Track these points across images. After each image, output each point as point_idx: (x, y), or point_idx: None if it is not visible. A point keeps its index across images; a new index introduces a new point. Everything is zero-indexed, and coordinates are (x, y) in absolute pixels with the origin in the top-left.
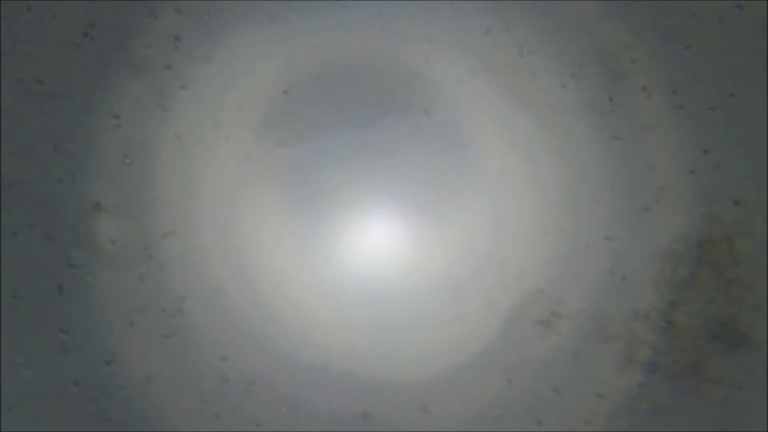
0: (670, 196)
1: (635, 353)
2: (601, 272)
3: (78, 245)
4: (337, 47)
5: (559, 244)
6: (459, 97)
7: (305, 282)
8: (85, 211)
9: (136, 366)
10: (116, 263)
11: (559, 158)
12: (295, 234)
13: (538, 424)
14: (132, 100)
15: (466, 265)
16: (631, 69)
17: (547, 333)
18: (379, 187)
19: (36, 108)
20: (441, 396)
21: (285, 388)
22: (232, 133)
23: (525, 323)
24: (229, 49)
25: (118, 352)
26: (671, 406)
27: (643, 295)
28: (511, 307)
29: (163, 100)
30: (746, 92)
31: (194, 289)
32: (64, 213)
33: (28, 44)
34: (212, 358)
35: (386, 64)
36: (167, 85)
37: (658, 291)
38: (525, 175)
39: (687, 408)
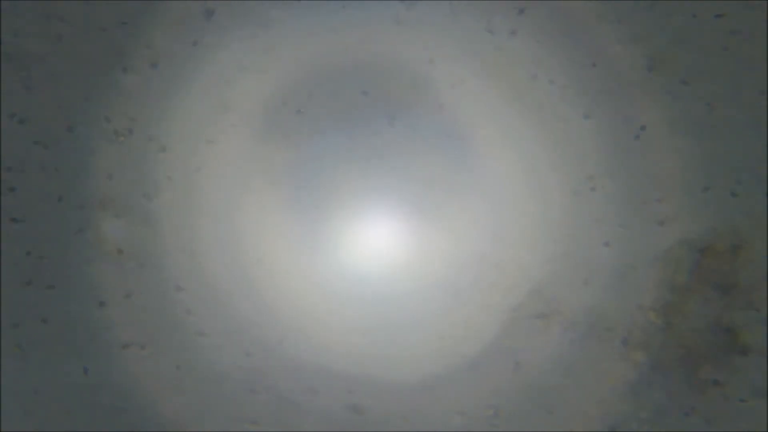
0: (671, 199)
1: (633, 355)
2: (601, 274)
3: (78, 244)
4: (337, 48)
5: (559, 245)
6: (459, 99)
7: (305, 282)
8: (88, 210)
9: (135, 366)
10: (116, 262)
11: (559, 159)
12: (295, 235)
13: (535, 425)
14: (132, 99)
15: (466, 266)
16: (632, 69)
17: (545, 334)
18: (378, 188)
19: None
20: (439, 396)
21: (285, 389)
22: (233, 135)
23: (524, 323)
24: (229, 50)
25: (116, 352)
26: (669, 408)
27: (642, 297)
28: (511, 307)
29: (164, 101)
30: (751, 95)
31: (193, 288)
32: (64, 209)
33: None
34: (210, 358)
35: (386, 65)
36: (167, 85)
37: (658, 294)
38: (525, 176)
39: (685, 410)
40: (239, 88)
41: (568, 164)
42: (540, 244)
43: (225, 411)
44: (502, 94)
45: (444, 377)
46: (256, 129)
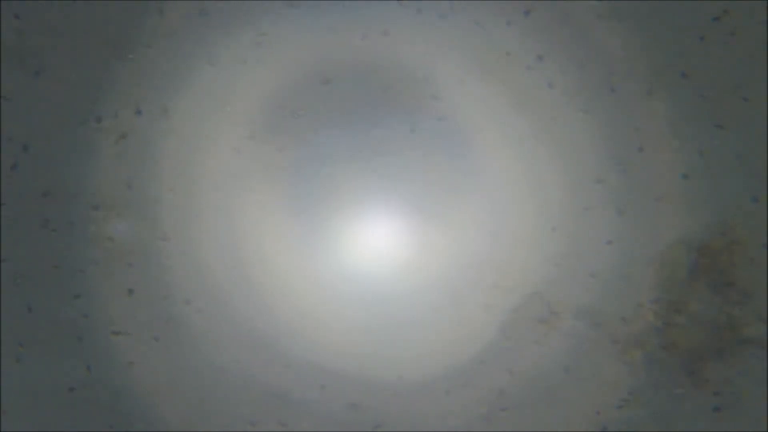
0: (670, 199)
1: (634, 355)
2: (600, 274)
3: (79, 243)
4: (337, 48)
5: (559, 245)
6: (459, 98)
7: (305, 282)
8: (86, 209)
9: (134, 365)
10: (116, 263)
11: (559, 160)
12: (294, 234)
13: (534, 425)
14: (131, 100)
15: (466, 266)
16: (632, 70)
17: (544, 335)
18: (378, 189)
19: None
20: (438, 395)
21: (284, 388)
22: (233, 134)
23: (523, 325)
24: (228, 51)
25: (116, 351)
26: (669, 408)
27: (642, 297)
28: (510, 308)
29: (164, 102)
30: (754, 96)
31: (193, 288)
32: (65, 208)
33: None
34: (211, 358)
35: (386, 65)
36: (167, 85)
37: (658, 293)
38: (525, 177)
39: (685, 409)
40: (239, 87)
41: (569, 164)
42: (540, 244)
43: (223, 411)
44: (503, 93)
45: (443, 377)
46: (256, 129)
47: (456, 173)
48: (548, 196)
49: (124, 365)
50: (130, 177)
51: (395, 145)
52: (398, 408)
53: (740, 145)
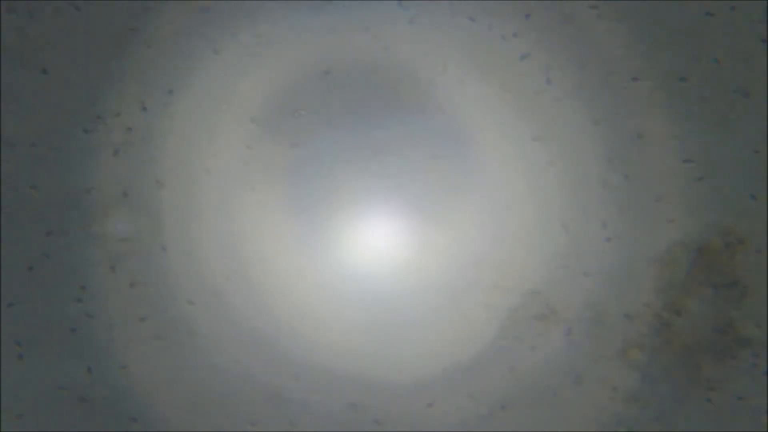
0: (670, 199)
1: (633, 355)
2: (600, 274)
3: (79, 243)
4: (337, 48)
5: (558, 245)
6: (459, 99)
7: (304, 282)
8: (86, 208)
9: (134, 365)
10: (116, 263)
11: (558, 160)
12: (294, 234)
13: (533, 425)
14: (131, 100)
15: (465, 266)
16: (631, 70)
17: (544, 334)
18: (378, 189)
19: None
20: (437, 396)
21: (284, 388)
22: (234, 134)
23: (523, 324)
24: (232, 48)
25: (117, 352)
26: (669, 408)
27: (641, 297)
28: (510, 308)
29: (164, 101)
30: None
31: (194, 288)
32: (65, 208)
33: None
34: (210, 359)
35: (386, 66)
36: (167, 84)
37: (657, 293)
38: (525, 177)
39: (685, 409)
40: (240, 87)
41: (569, 164)
42: (539, 244)
43: (223, 411)
44: (503, 94)
45: (442, 377)
46: (256, 128)
47: (456, 173)
48: (548, 196)
49: (124, 365)
50: (130, 177)
51: (395, 146)
52: (398, 408)
53: (740, 145)
